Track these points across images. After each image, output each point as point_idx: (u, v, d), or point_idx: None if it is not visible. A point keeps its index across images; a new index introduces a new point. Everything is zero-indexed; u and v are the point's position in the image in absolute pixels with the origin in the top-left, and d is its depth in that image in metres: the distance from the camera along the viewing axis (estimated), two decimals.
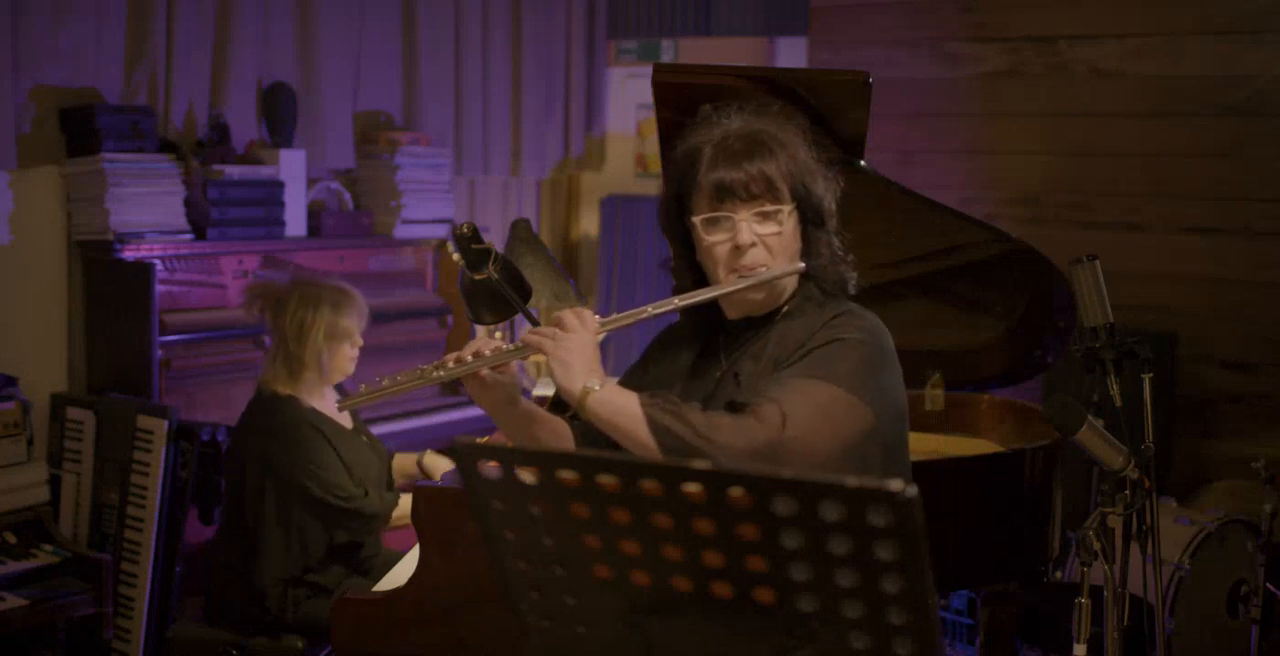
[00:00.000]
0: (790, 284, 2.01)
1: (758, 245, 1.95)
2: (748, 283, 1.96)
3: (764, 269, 1.96)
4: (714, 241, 1.97)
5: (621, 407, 1.87)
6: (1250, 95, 4.18)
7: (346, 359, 3.31)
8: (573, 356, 1.89)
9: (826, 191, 2.01)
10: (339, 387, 3.42)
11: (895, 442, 1.98)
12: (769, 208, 1.95)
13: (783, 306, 2.03)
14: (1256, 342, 4.23)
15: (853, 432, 1.88)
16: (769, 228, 1.95)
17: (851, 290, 2.05)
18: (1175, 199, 4.34)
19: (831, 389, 1.87)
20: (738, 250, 1.95)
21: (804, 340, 1.95)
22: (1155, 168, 4.36)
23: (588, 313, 1.95)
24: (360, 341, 3.35)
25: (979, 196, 4.65)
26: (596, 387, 1.87)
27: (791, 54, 5.11)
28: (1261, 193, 4.19)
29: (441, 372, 1.94)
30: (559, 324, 1.93)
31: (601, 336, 2.01)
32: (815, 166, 2.00)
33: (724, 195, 1.94)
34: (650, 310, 1.97)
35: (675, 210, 2.04)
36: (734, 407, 1.90)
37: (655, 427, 1.84)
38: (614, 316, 1.98)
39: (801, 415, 1.83)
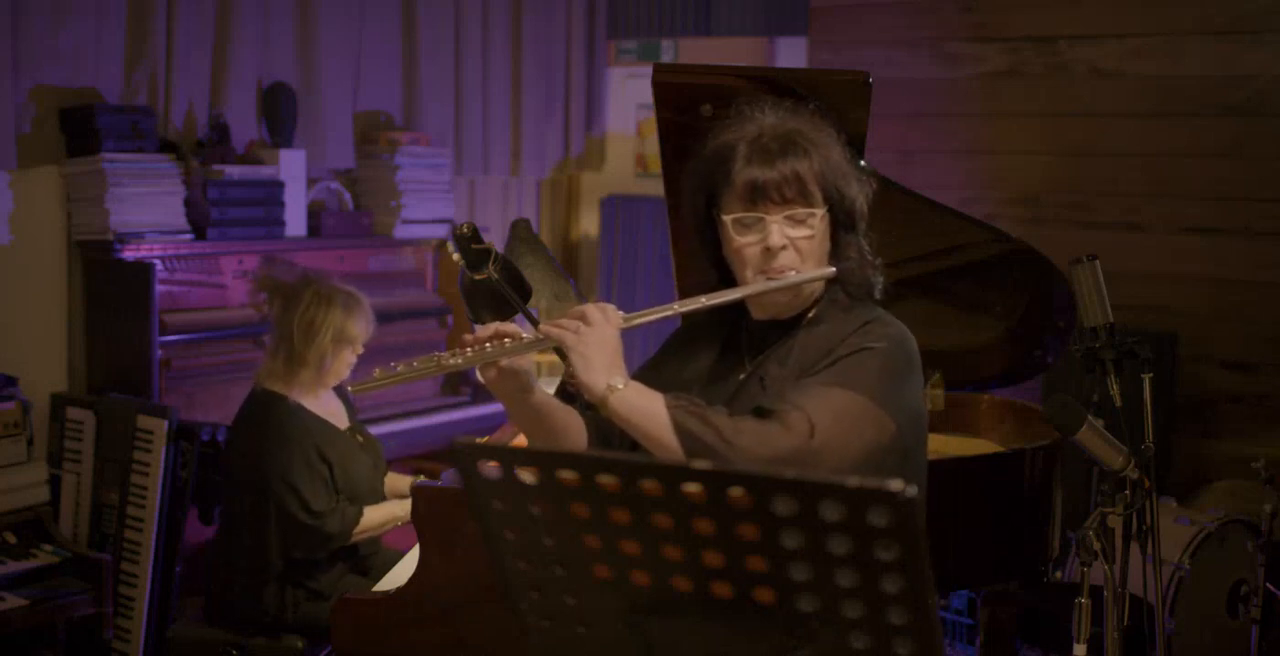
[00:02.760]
0: (817, 286, 1.99)
1: (788, 248, 1.92)
2: (776, 285, 1.93)
3: (793, 272, 1.93)
4: (744, 242, 1.94)
5: (645, 408, 1.84)
6: (1250, 95, 4.18)
7: (345, 364, 3.31)
8: (595, 352, 1.85)
9: (859, 194, 1.98)
10: (337, 388, 3.42)
11: (914, 449, 1.97)
12: (801, 211, 1.92)
13: (809, 309, 2.00)
14: (1256, 342, 4.23)
15: (876, 443, 1.86)
16: (801, 231, 1.93)
17: (877, 294, 2.03)
18: (1175, 199, 4.34)
19: (858, 399, 1.85)
20: (768, 252, 1.92)
21: (831, 346, 1.93)
22: (1155, 168, 4.36)
23: (611, 307, 1.91)
24: (361, 349, 3.34)
25: (979, 196, 4.65)
26: (620, 386, 1.84)
27: (791, 54, 5.11)
28: (1261, 193, 4.19)
29: (458, 360, 1.89)
30: (583, 317, 1.89)
31: None
32: (849, 168, 1.97)
33: (756, 196, 1.91)
34: (676, 307, 1.94)
35: (703, 205, 2.00)
36: (760, 413, 1.87)
37: (679, 430, 1.81)
38: (638, 312, 1.94)
39: (828, 425, 1.81)
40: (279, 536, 3.16)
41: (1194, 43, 4.27)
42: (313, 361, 3.24)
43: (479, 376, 1.98)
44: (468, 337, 1.92)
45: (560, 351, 1.94)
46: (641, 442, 1.86)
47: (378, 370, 1.92)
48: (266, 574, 3.17)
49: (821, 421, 1.81)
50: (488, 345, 1.90)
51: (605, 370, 1.85)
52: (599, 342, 1.86)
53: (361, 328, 3.29)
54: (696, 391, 2.01)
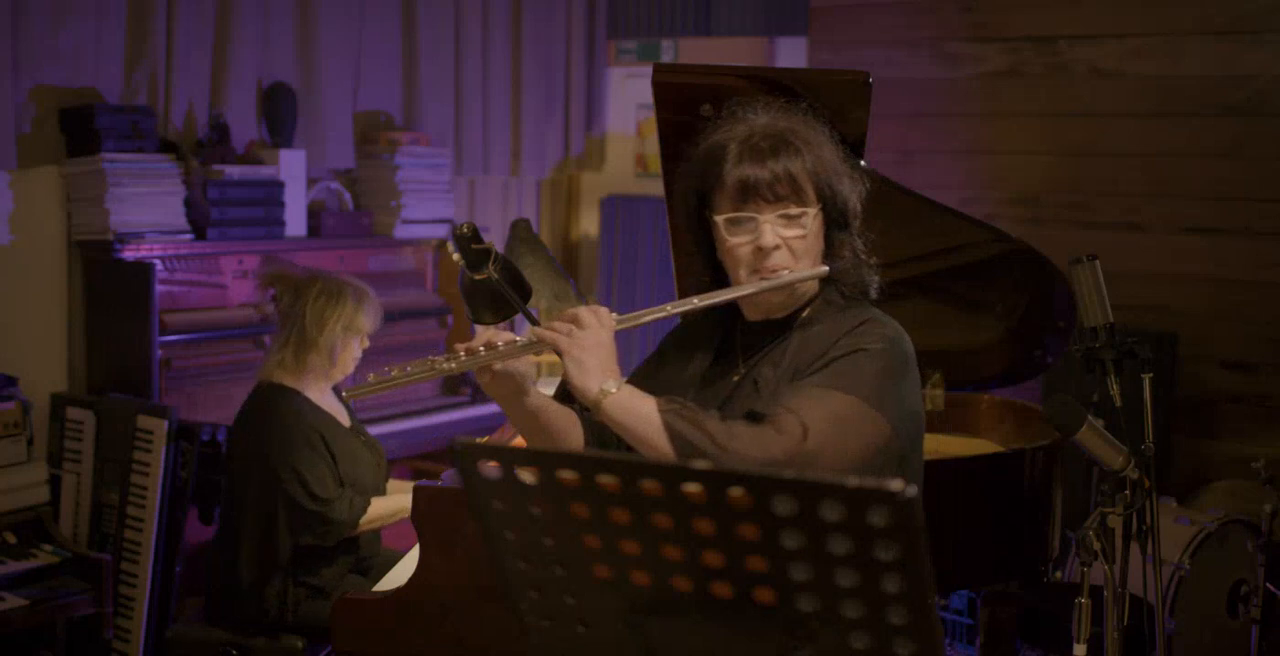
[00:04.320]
0: (811, 286, 1.98)
1: (781, 247, 1.91)
2: (770, 285, 1.92)
3: (787, 271, 1.92)
4: (737, 242, 1.92)
5: (638, 412, 1.84)
6: (1250, 95, 4.18)
7: (353, 356, 3.32)
8: (588, 355, 1.85)
9: (852, 192, 1.97)
10: (336, 391, 3.42)
11: (910, 451, 1.96)
12: (794, 210, 1.91)
13: (803, 309, 1.99)
14: (1256, 343, 4.23)
15: (871, 445, 1.85)
16: (793, 230, 1.92)
17: (873, 294, 2.02)
18: (1175, 199, 4.34)
19: (852, 401, 1.84)
20: (760, 252, 1.91)
21: (825, 348, 1.91)
22: (1155, 168, 4.36)
23: (604, 310, 1.91)
24: (368, 343, 3.35)
25: (979, 196, 4.65)
26: (613, 390, 1.84)
27: (791, 54, 5.11)
28: (1261, 193, 4.19)
29: (452, 364, 1.90)
30: (575, 320, 1.88)
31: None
32: (841, 167, 1.96)
33: (748, 194, 1.90)
34: (669, 308, 1.94)
35: (695, 206, 1.99)
36: (753, 417, 1.87)
37: (672, 435, 1.81)
38: (631, 314, 1.94)
39: (822, 428, 1.80)
40: (287, 523, 3.16)
41: (1194, 43, 4.27)
42: (324, 349, 3.24)
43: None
44: (461, 345, 1.92)
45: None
46: (634, 446, 1.86)
47: (371, 375, 1.92)
48: (274, 564, 3.17)
49: (815, 424, 1.80)
50: (481, 349, 1.90)
51: (598, 373, 1.85)
52: (592, 346, 1.86)
53: (370, 319, 3.31)
54: (692, 393, 2.00)
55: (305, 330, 3.23)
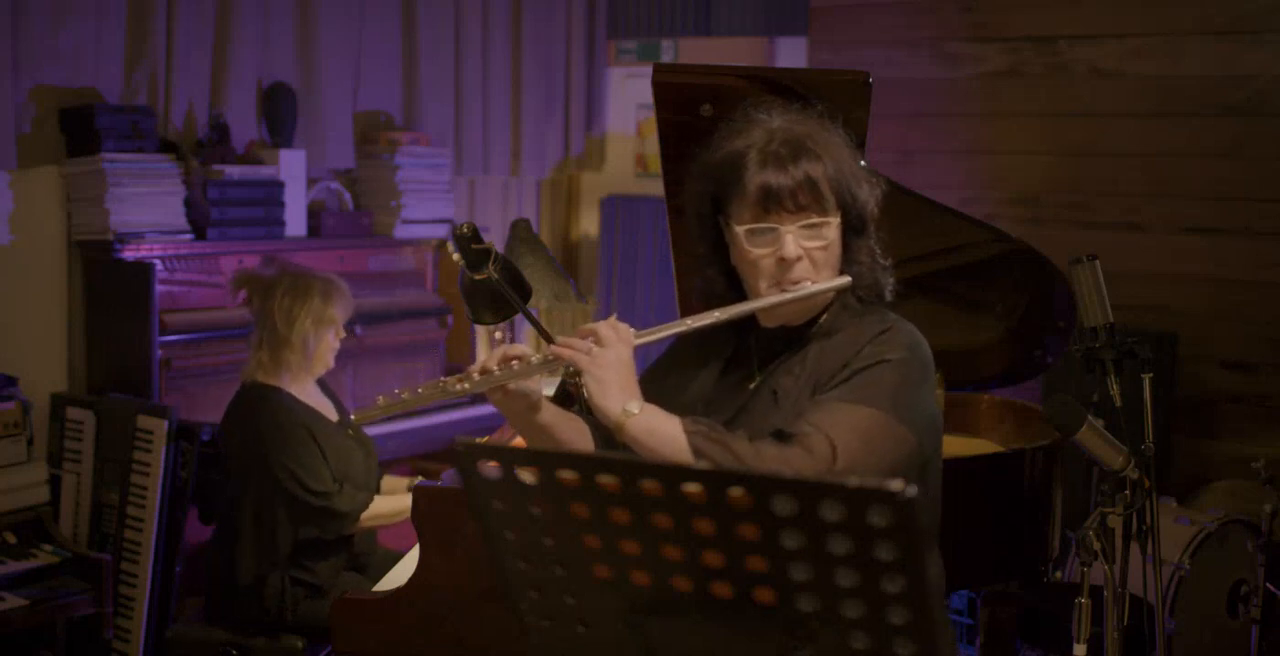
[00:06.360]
0: (828, 293, 1.97)
1: (803, 259, 1.89)
2: (791, 297, 1.91)
3: (808, 282, 1.91)
4: (759, 254, 1.90)
5: (663, 433, 1.81)
6: (1250, 95, 4.18)
7: (329, 348, 3.34)
8: (610, 375, 1.82)
9: (869, 197, 1.95)
10: (323, 385, 3.43)
11: (931, 457, 1.95)
12: (815, 220, 1.89)
13: (819, 316, 1.97)
14: (1256, 342, 4.23)
15: (897, 458, 1.84)
16: (815, 241, 1.90)
17: (888, 296, 2.00)
18: (1175, 199, 4.34)
19: (879, 416, 1.83)
20: (783, 263, 1.89)
21: (847, 358, 1.90)
22: (1155, 168, 4.36)
23: (624, 326, 1.88)
24: (344, 333, 3.37)
25: (979, 196, 4.65)
26: (636, 411, 1.81)
27: (791, 54, 5.11)
28: (1261, 193, 4.19)
29: (465, 385, 1.86)
30: (594, 337, 1.85)
31: None
32: (859, 171, 1.95)
33: (771, 204, 1.88)
34: (689, 323, 1.92)
35: (710, 212, 1.97)
36: (780, 436, 1.84)
37: (699, 456, 1.79)
38: (650, 329, 1.91)
39: (850, 446, 1.79)
40: (288, 517, 3.17)
41: (1194, 43, 4.27)
42: (296, 344, 3.27)
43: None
44: (474, 365, 1.90)
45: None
46: None
47: (381, 397, 1.89)
48: (272, 559, 3.17)
49: (844, 443, 1.79)
50: (495, 368, 1.87)
51: (619, 393, 1.82)
52: (614, 363, 1.83)
53: (340, 310, 3.33)
54: (703, 402, 1.98)
55: (276, 329, 3.27)
